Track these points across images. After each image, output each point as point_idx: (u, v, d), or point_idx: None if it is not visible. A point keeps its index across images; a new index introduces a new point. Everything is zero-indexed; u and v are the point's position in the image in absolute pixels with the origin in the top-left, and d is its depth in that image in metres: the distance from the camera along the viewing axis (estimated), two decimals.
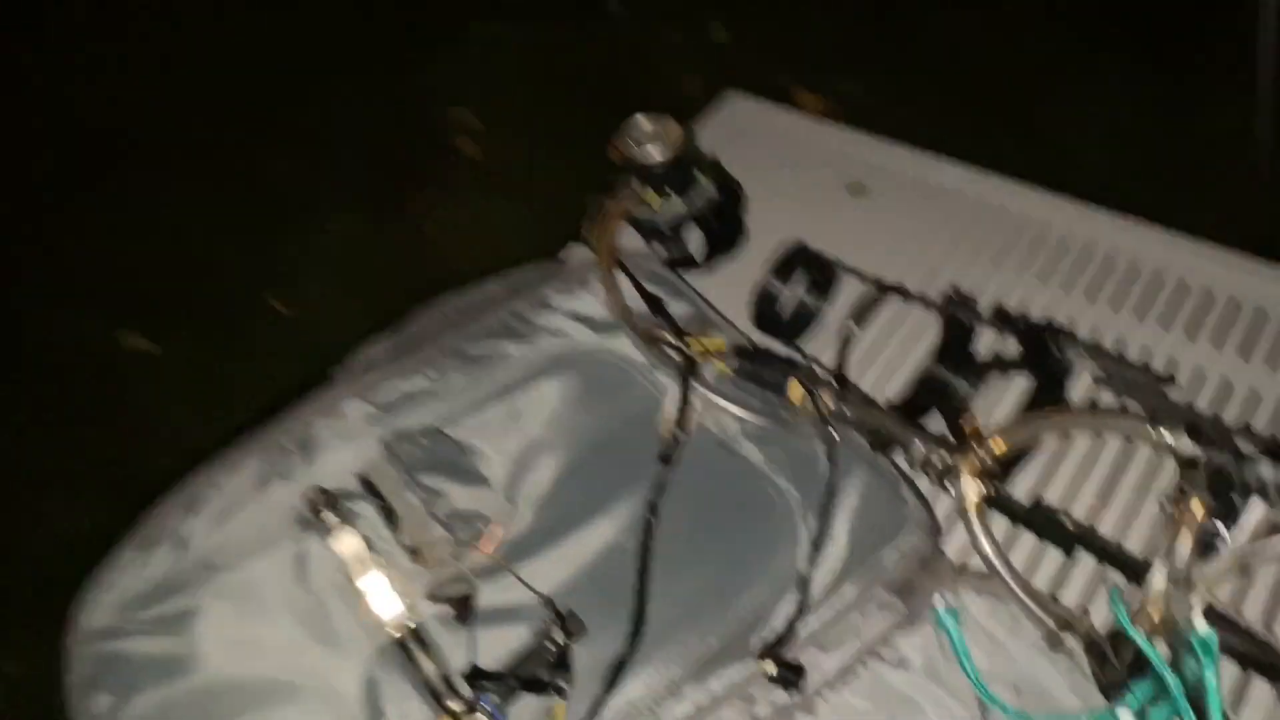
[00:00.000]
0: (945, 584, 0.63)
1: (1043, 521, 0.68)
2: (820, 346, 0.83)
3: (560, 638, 0.65)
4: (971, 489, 0.62)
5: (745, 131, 1.03)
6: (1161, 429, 0.56)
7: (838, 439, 0.66)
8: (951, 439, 0.64)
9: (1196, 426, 0.55)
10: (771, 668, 0.61)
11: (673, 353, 0.73)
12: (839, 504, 0.67)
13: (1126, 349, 0.80)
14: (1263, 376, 0.78)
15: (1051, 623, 0.59)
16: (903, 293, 0.82)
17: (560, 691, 0.62)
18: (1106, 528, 0.71)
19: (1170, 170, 1.83)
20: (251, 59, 2.43)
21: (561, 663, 0.64)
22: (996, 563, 0.61)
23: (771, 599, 0.66)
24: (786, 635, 0.63)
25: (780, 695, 0.62)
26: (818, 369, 0.69)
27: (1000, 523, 0.72)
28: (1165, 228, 0.89)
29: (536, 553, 0.71)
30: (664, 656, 0.65)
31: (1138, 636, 0.56)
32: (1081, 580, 0.69)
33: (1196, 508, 0.54)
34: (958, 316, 0.76)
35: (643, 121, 0.85)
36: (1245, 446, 0.54)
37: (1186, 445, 0.55)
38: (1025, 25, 2.15)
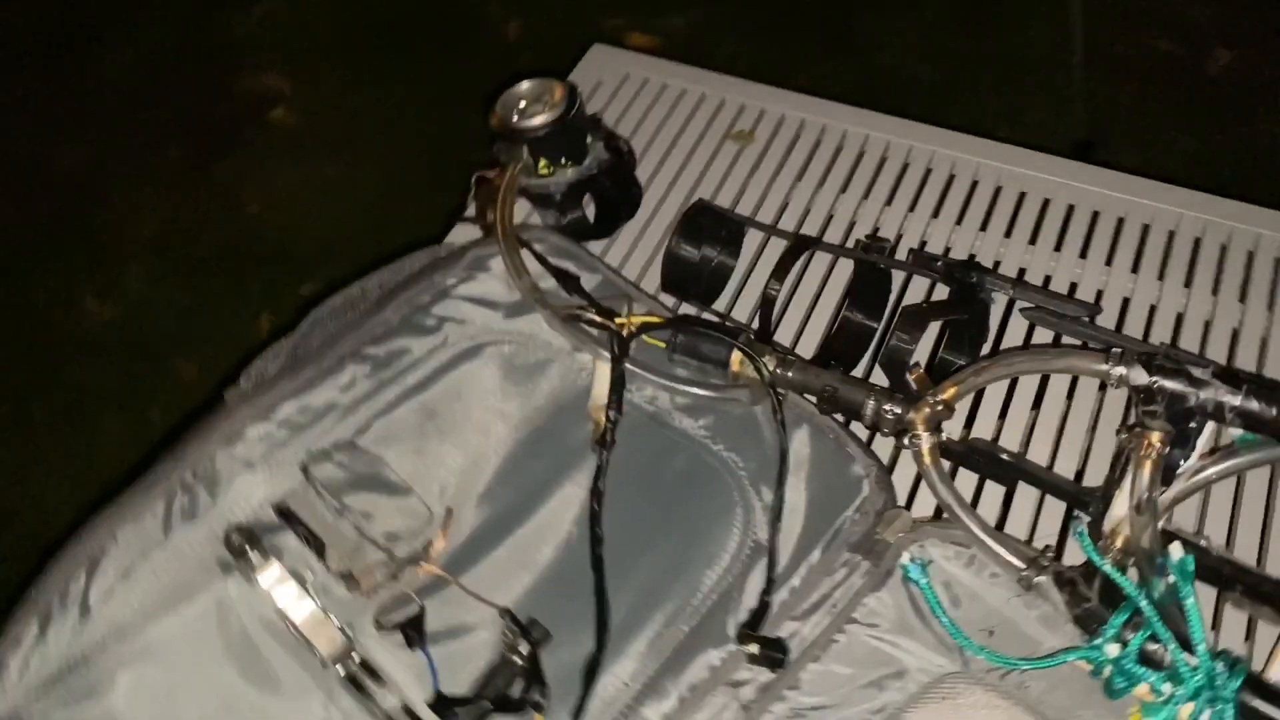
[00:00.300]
0: (908, 538, 0.63)
1: (996, 465, 0.69)
2: (731, 305, 0.81)
3: (525, 648, 0.61)
4: (926, 440, 0.62)
5: (615, 85, 0.99)
6: (1116, 363, 0.56)
7: (783, 404, 0.65)
8: (900, 394, 0.63)
9: (1151, 358, 0.56)
10: (754, 648, 0.60)
11: (597, 331, 0.70)
12: (791, 469, 0.65)
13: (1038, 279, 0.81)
14: (1176, 295, 0.80)
15: (1020, 563, 0.60)
16: (819, 244, 0.80)
17: (537, 706, 0.59)
18: (1058, 464, 0.72)
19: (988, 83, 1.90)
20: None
21: (532, 674, 0.60)
22: (959, 510, 0.61)
23: (738, 575, 0.64)
24: (760, 611, 0.62)
25: (764, 674, 0.60)
26: (752, 334, 0.66)
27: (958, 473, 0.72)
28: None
29: (482, 559, 0.67)
30: (636, 651, 0.63)
31: (1107, 568, 0.57)
32: (1047, 523, 0.70)
33: (1156, 438, 0.56)
34: (873, 262, 0.75)
35: (524, 86, 0.80)
36: (1199, 372, 0.55)
37: (1141, 376, 0.56)
38: None
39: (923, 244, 0.82)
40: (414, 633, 0.63)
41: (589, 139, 0.80)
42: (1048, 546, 0.60)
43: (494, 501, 0.69)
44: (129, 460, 0.71)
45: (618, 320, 0.68)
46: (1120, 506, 0.58)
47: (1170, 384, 0.55)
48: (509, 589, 0.66)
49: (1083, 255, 0.82)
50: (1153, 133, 1.78)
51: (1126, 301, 0.80)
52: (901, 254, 0.81)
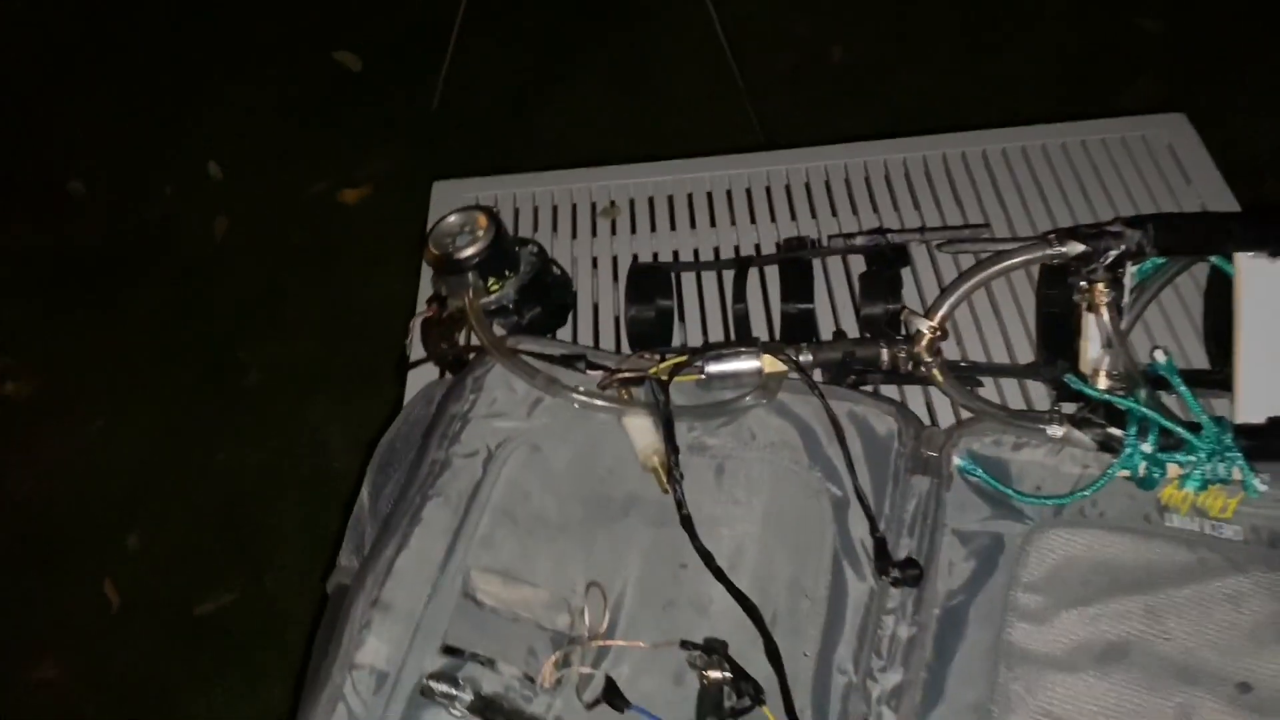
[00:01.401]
0: (949, 445, 0.76)
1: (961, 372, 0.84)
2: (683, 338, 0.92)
3: (717, 660, 0.68)
4: (936, 361, 0.76)
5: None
6: (1057, 244, 0.73)
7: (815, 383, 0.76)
8: (899, 336, 0.77)
9: (1074, 231, 0.73)
10: (895, 572, 0.70)
11: (629, 388, 0.78)
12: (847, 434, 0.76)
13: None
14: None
15: (1041, 426, 0.75)
16: (758, 259, 0.93)
17: (760, 701, 0.66)
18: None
19: None
20: None
21: (739, 678, 0.67)
22: (982, 405, 0.76)
23: (839, 528, 0.75)
24: (880, 544, 0.72)
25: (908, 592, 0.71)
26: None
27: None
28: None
29: (620, 613, 0.73)
30: (792, 626, 0.72)
31: (1105, 396, 0.73)
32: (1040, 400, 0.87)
33: (1102, 288, 0.73)
34: (800, 258, 0.89)
35: (450, 221, 0.87)
36: (1113, 228, 0.73)
37: (1078, 246, 0.73)
38: None
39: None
40: (617, 698, 0.68)
41: (517, 249, 0.89)
42: (1051, 408, 0.76)
43: (598, 567, 0.75)
44: None
45: (651, 372, 0.77)
46: (1092, 350, 0.75)
47: (1100, 243, 0.72)
48: (658, 629, 0.72)
49: (895, 207, 1.02)
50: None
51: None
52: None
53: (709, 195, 1.06)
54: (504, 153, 2.11)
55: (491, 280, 0.87)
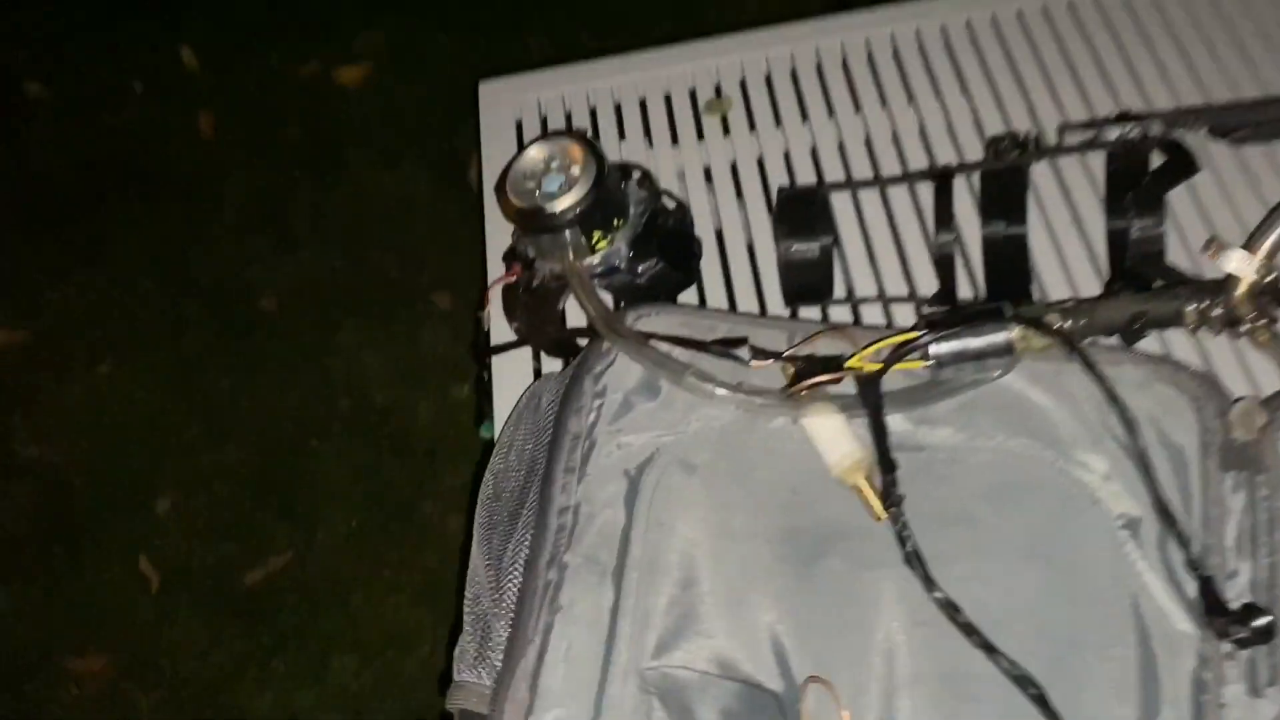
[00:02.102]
0: (1268, 423, 0.55)
1: None
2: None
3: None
4: (1262, 319, 0.54)
5: (538, 117, 0.83)
6: None
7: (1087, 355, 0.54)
8: (1198, 282, 0.54)
9: None
10: (1239, 631, 0.50)
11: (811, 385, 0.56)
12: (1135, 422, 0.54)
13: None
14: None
15: None
16: (963, 168, 0.69)
17: None
18: None
19: None
20: None
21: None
22: None
23: (1135, 559, 0.54)
24: (1206, 586, 0.52)
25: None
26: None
27: None
28: None
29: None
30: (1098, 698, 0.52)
31: None
32: None
33: None
34: (1014, 166, 0.65)
35: (530, 157, 0.64)
36: None
37: None
38: None
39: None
40: None
41: (622, 185, 0.65)
42: None
43: (820, 630, 0.55)
44: None
45: (847, 366, 0.55)
46: None
47: None
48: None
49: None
50: None
51: None
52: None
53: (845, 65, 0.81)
54: (534, 10, 1.81)
55: (596, 235, 0.64)
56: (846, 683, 0.53)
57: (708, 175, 0.77)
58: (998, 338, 0.54)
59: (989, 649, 0.52)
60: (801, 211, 0.66)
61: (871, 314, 0.69)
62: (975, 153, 0.73)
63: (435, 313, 1.56)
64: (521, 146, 0.66)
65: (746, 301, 0.71)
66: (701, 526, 0.58)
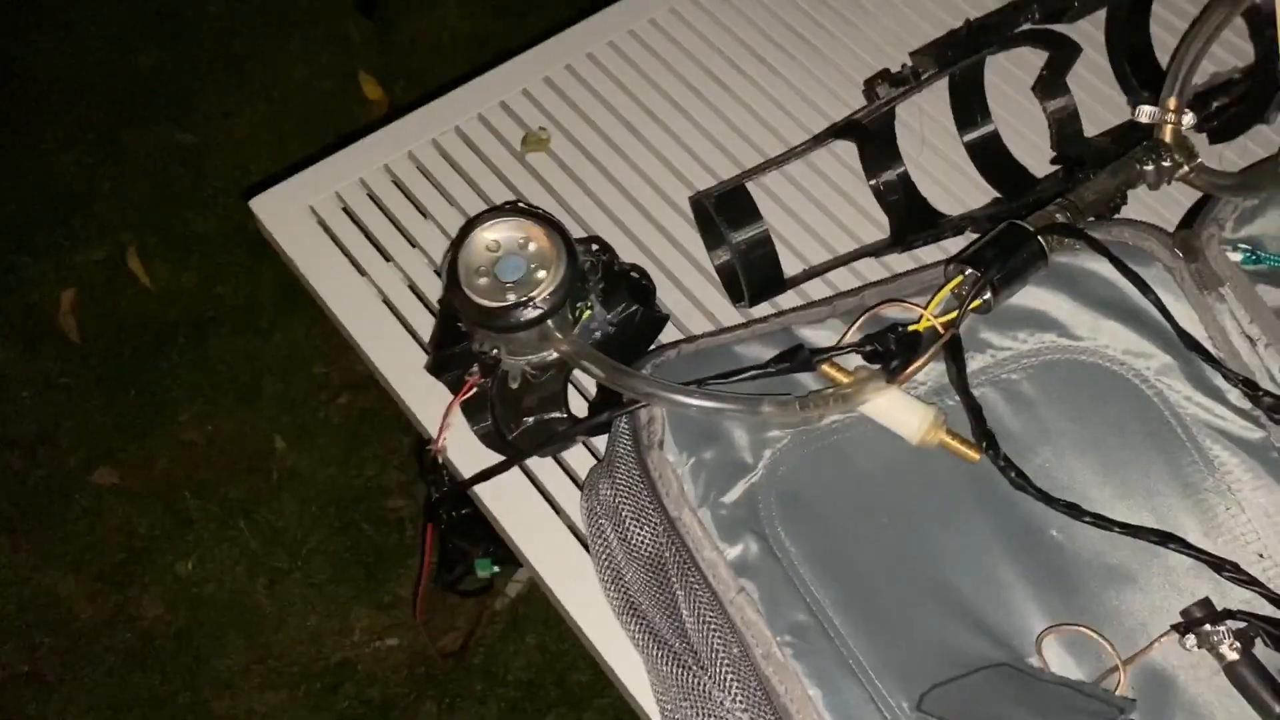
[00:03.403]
0: (1214, 246, 0.62)
1: None
2: None
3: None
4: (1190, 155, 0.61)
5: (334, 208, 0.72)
6: None
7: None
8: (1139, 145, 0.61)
9: None
10: None
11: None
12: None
13: None
14: None
15: None
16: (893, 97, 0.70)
17: None
18: None
19: None
20: None
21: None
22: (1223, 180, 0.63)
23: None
24: (1253, 393, 0.58)
25: None
26: None
27: None
28: None
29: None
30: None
31: None
32: None
33: None
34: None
35: (479, 247, 0.55)
36: None
37: None
38: None
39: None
40: None
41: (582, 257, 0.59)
42: None
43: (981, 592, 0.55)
44: None
45: (923, 324, 0.55)
46: None
47: None
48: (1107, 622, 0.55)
49: None
50: None
51: None
52: None
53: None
54: None
55: (580, 305, 0.57)
56: (1005, 628, 0.54)
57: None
58: (1033, 249, 0.56)
59: (1126, 527, 0.55)
60: (732, 203, 0.64)
61: (838, 280, 0.70)
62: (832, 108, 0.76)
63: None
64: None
65: (695, 323, 0.68)
66: (838, 544, 0.55)
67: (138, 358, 1.41)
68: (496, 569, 0.76)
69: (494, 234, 0.56)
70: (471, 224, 0.57)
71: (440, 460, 0.62)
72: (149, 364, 1.40)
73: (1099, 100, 0.74)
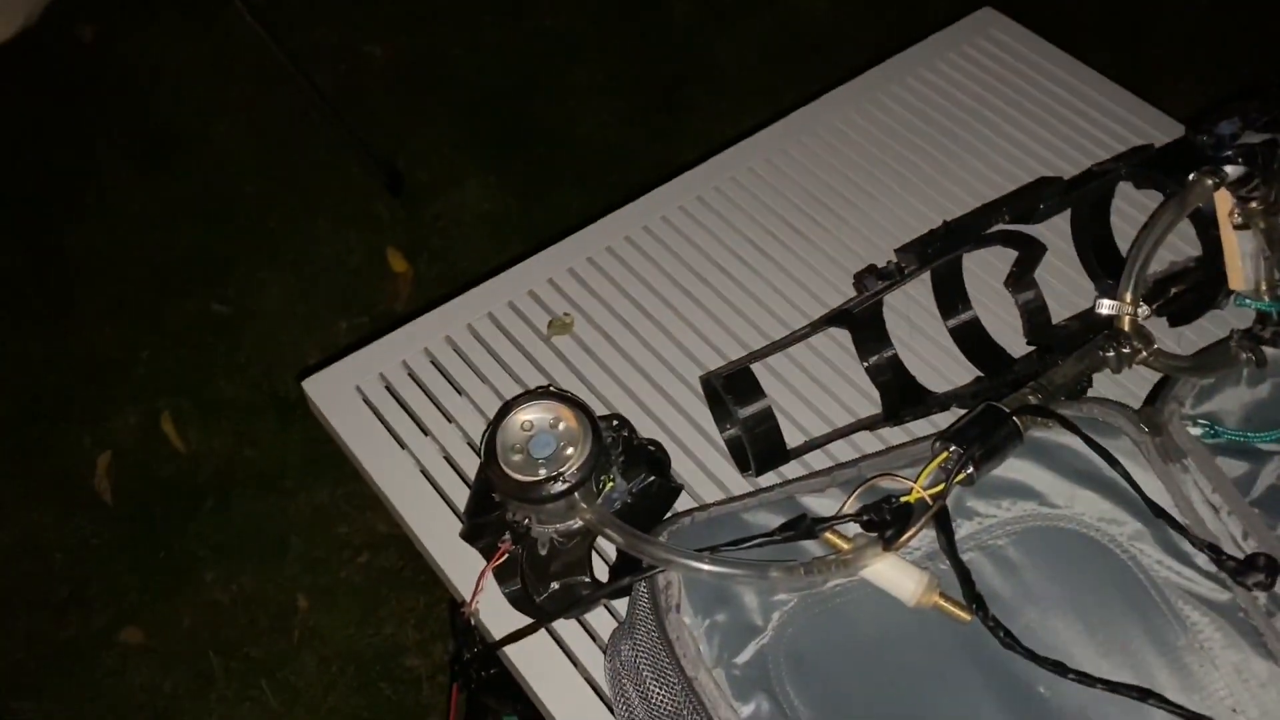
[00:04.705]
0: (1175, 421, 0.69)
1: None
2: None
3: None
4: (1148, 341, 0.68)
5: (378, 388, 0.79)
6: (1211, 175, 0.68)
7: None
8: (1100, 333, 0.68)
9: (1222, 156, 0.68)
10: (1258, 575, 0.63)
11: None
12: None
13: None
14: None
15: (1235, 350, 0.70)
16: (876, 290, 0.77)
17: None
18: None
19: None
20: None
21: None
22: (1179, 363, 0.70)
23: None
24: (1217, 556, 0.64)
25: None
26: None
27: None
28: None
29: None
30: None
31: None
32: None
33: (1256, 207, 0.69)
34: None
35: (517, 424, 0.62)
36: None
37: (1239, 170, 0.68)
38: None
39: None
40: None
41: (609, 436, 0.66)
42: (1234, 334, 0.71)
43: None
44: None
45: (913, 495, 0.61)
46: (1247, 267, 0.72)
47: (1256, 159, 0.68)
48: None
49: None
50: None
51: None
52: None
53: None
54: None
55: (604, 478, 0.64)
56: None
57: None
58: (1009, 428, 0.63)
59: (1108, 684, 0.60)
60: (739, 382, 0.71)
61: (837, 451, 0.76)
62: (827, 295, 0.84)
63: None
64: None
65: (707, 490, 0.74)
66: (844, 702, 0.60)
67: (168, 519, 1.47)
68: None
69: (528, 415, 0.63)
70: (508, 406, 0.64)
71: (473, 622, 0.67)
72: (178, 525, 1.46)
73: (1066, 284, 0.83)
